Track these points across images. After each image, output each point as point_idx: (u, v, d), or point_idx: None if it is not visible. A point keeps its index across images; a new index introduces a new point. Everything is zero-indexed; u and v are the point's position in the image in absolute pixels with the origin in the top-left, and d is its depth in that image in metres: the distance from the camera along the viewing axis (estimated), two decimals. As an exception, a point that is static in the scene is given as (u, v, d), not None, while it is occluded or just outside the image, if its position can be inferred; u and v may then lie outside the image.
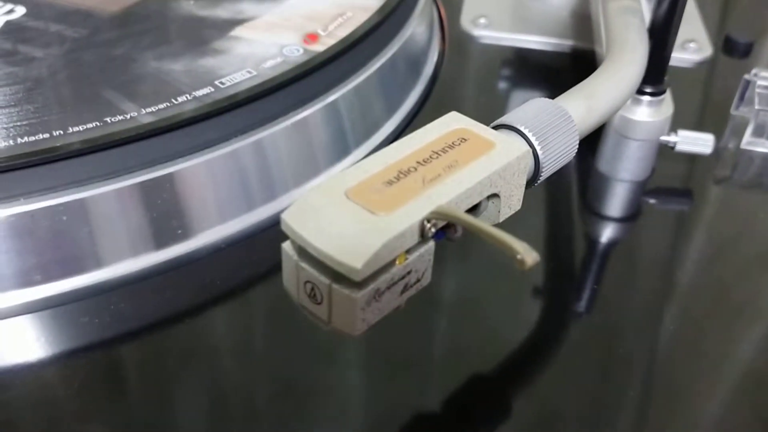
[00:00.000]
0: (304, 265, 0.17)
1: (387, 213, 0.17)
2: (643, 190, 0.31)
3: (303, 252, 0.17)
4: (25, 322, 0.23)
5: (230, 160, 0.26)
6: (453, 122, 0.20)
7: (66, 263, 0.24)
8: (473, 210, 0.19)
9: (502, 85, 0.38)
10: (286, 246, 0.17)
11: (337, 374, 0.23)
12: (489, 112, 0.36)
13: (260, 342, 0.25)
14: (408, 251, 0.17)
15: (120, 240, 0.24)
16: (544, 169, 0.20)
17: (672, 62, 0.29)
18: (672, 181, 0.32)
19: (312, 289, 0.17)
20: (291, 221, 0.17)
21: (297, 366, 0.23)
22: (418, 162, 0.18)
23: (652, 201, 0.31)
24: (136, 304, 0.25)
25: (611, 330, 0.26)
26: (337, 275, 0.17)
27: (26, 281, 0.23)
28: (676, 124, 0.30)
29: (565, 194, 0.32)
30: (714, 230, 0.30)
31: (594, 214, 0.31)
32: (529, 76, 0.39)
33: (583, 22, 0.40)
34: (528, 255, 0.15)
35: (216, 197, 0.26)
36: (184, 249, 0.25)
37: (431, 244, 0.18)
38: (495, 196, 0.19)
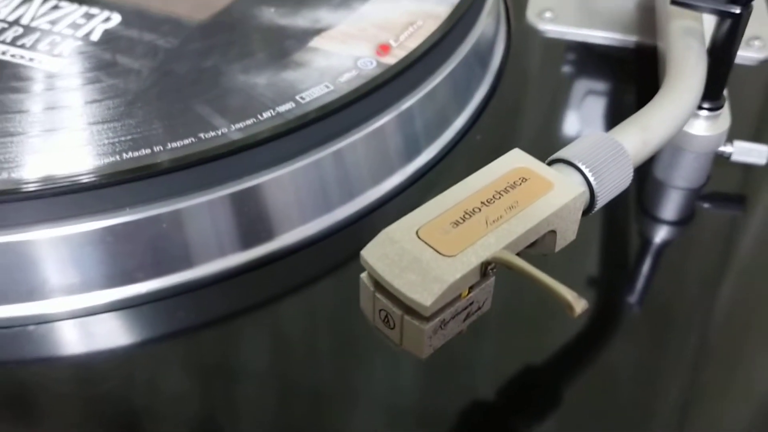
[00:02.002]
0: (379, 296, 0.20)
1: (454, 254, 0.19)
2: (697, 195, 0.33)
3: (379, 285, 0.19)
4: (128, 315, 0.27)
5: (312, 169, 0.28)
6: (514, 161, 0.22)
7: (163, 264, 0.27)
8: (531, 245, 0.21)
9: (567, 79, 0.39)
10: (364, 277, 0.20)
11: (399, 366, 0.26)
12: (555, 106, 0.37)
13: (333, 332, 0.28)
14: (471, 287, 0.19)
15: (210, 243, 0.27)
16: (598, 201, 0.22)
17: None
18: (726, 187, 0.33)
19: (386, 316, 0.20)
20: (369, 258, 0.19)
21: (361, 358, 0.26)
22: (482, 202, 0.20)
23: (706, 206, 0.33)
24: (226, 299, 0.28)
25: (664, 325, 0.28)
26: (409, 308, 0.19)
27: (130, 279, 0.26)
28: (735, 123, 0.31)
29: (624, 198, 0.33)
30: (766, 235, 0.31)
31: (650, 217, 0.33)
32: (593, 71, 0.40)
33: (648, 16, 0.41)
34: (577, 304, 0.17)
35: (298, 202, 0.28)
36: (267, 249, 0.28)
37: (492, 279, 0.20)
38: (552, 232, 0.21)
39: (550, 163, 0.22)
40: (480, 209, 0.20)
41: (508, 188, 0.21)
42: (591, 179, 0.22)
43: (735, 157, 0.31)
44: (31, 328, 0.26)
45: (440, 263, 0.19)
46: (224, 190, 0.27)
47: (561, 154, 0.22)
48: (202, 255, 0.27)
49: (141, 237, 0.26)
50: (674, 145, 0.31)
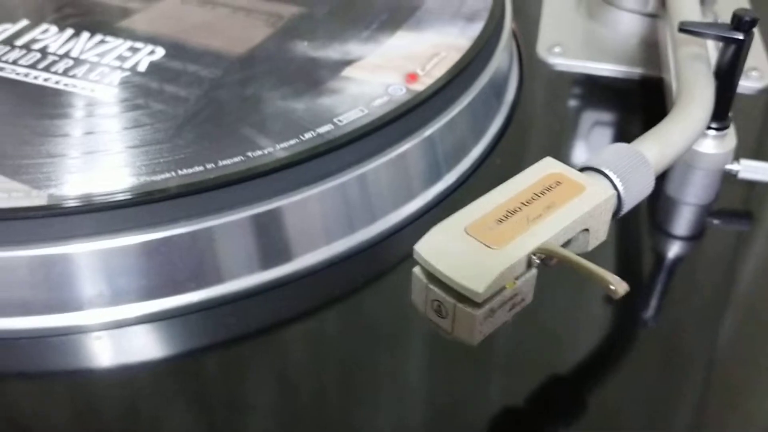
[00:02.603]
0: (432, 287, 0.21)
1: (500, 247, 0.21)
2: (707, 212, 0.35)
3: (431, 276, 0.21)
4: (181, 321, 0.28)
5: (355, 184, 0.30)
6: (548, 167, 0.24)
7: (216, 273, 0.28)
8: (567, 242, 0.23)
9: (577, 109, 0.41)
10: (417, 270, 0.22)
11: (423, 378, 0.28)
12: (566, 134, 0.40)
13: (367, 343, 0.29)
14: (516, 277, 0.21)
15: (253, 255, 0.29)
16: (625, 206, 0.24)
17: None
18: (734, 204, 0.35)
19: (438, 306, 0.21)
20: (423, 252, 0.21)
21: (396, 364, 0.28)
22: (522, 203, 0.22)
23: (715, 222, 0.35)
24: (269, 308, 0.29)
25: (675, 337, 0.29)
26: (461, 296, 0.21)
27: (182, 288, 0.28)
28: (739, 149, 0.34)
29: (637, 215, 0.35)
30: (772, 250, 0.33)
31: (662, 232, 0.35)
32: (602, 101, 0.42)
33: (651, 50, 0.44)
34: (619, 286, 0.19)
35: (342, 214, 0.30)
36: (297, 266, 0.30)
37: (534, 271, 0.22)
38: (585, 230, 0.23)
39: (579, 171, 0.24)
40: (520, 209, 0.22)
41: (544, 191, 0.23)
42: (618, 184, 0.24)
43: (742, 175, 0.33)
44: (100, 334, 0.27)
45: (490, 255, 0.21)
46: (270, 204, 0.28)
47: (589, 162, 0.25)
48: (237, 268, 0.29)
49: (195, 248, 0.28)
50: (685, 163, 0.33)
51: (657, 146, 0.26)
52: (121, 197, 0.27)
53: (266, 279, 0.29)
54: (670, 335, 0.30)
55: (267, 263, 0.29)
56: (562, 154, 0.38)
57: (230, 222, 0.28)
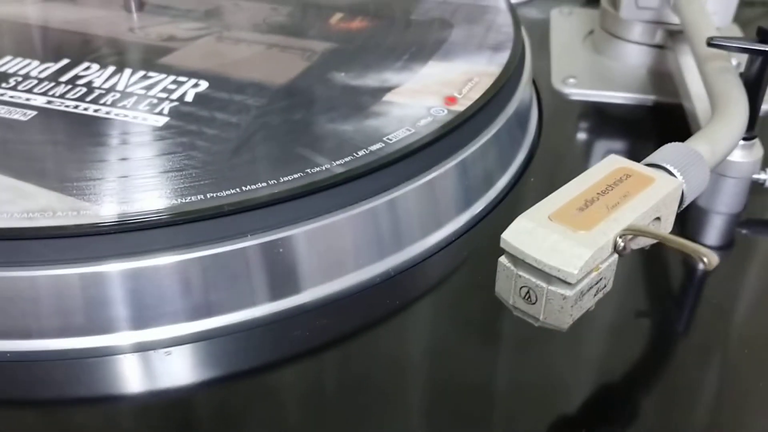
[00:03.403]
0: (521, 273, 0.22)
1: (587, 231, 0.22)
2: (737, 221, 0.36)
3: (519, 263, 0.22)
4: (247, 336, 0.29)
5: (410, 197, 0.31)
6: (615, 163, 0.25)
7: (282, 286, 0.29)
8: (640, 230, 0.24)
9: (596, 135, 0.43)
10: (503, 260, 0.22)
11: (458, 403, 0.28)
12: (588, 159, 0.41)
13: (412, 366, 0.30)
14: (600, 262, 0.22)
15: (305, 271, 0.30)
16: (686, 198, 0.25)
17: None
18: (762, 213, 0.36)
19: (527, 292, 0.22)
20: (511, 240, 0.22)
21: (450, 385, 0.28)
22: (598, 193, 0.23)
23: (744, 231, 0.36)
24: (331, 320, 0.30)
25: (707, 346, 0.30)
26: (551, 280, 0.21)
27: (252, 301, 0.28)
28: (765, 159, 0.35)
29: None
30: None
31: (693, 241, 0.36)
32: (617, 127, 0.44)
33: (659, 79, 0.46)
34: (711, 258, 0.20)
35: (397, 227, 0.31)
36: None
37: (616, 256, 0.23)
38: (657, 219, 0.24)
39: (641, 168, 0.26)
40: (598, 198, 0.23)
41: (616, 182, 0.24)
42: (680, 179, 0.25)
43: (770, 183, 0.35)
44: (169, 350, 0.28)
45: (578, 238, 0.22)
46: (332, 217, 0.29)
47: (650, 159, 0.26)
48: (309, 280, 0.29)
49: (262, 261, 0.28)
50: (715, 173, 0.35)
51: (708, 145, 0.27)
52: (194, 212, 0.27)
53: (318, 296, 0.30)
54: (705, 344, 0.30)
55: (319, 280, 0.30)
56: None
57: (299, 234, 0.29)
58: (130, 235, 0.26)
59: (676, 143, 0.27)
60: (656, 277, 0.34)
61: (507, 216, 0.34)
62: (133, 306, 0.27)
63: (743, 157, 0.34)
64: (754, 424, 0.27)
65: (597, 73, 0.47)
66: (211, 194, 0.28)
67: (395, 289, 0.31)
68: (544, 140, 0.41)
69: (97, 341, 0.27)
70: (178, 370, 0.28)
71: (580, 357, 0.29)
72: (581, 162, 0.41)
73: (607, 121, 0.44)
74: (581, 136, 0.43)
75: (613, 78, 0.47)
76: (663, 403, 0.27)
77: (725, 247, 0.36)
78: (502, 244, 0.22)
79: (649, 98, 0.45)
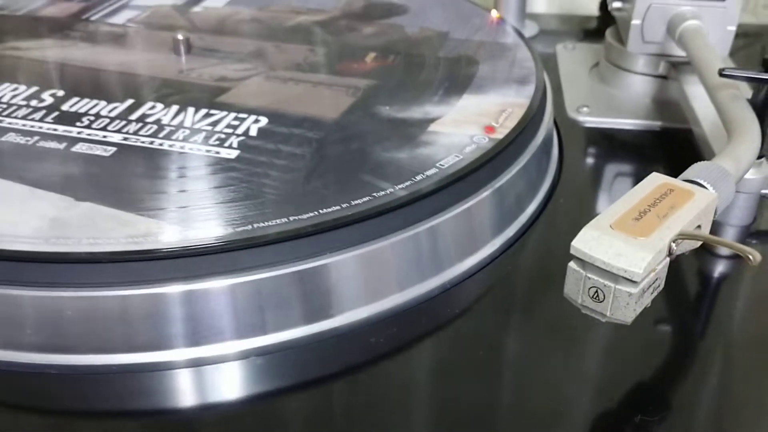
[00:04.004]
0: (590, 275, 0.25)
1: (646, 237, 0.25)
2: (747, 232, 0.40)
3: (588, 266, 0.26)
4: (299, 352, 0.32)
5: (462, 216, 0.35)
6: (658, 179, 0.29)
7: (332, 306, 0.32)
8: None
9: (611, 158, 0.47)
10: (573, 264, 0.26)
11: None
12: (607, 179, 0.45)
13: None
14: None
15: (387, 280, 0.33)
16: (718, 209, 0.29)
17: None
18: (770, 225, 0.41)
19: (596, 292, 0.26)
20: (581, 246, 0.25)
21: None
22: (648, 205, 0.27)
23: (754, 241, 0.40)
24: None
25: (721, 349, 0.34)
26: (618, 280, 0.25)
27: (314, 318, 0.32)
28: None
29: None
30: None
31: (707, 252, 0.39)
32: (629, 150, 0.48)
33: (663, 106, 0.50)
34: (756, 255, 0.24)
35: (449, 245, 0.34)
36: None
37: (668, 259, 0.26)
38: (698, 226, 0.28)
39: (678, 184, 0.29)
40: (649, 210, 0.27)
41: (662, 196, 0.28)
42: (714, 192, 0.29)
43: (776, 197, 0.39)
44: (258, 359, 0.31)
45: (639, 243, 0.25)
46: (396, 236, 0.33)
47: (685, 176, 0.30)
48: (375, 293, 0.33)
49: (334, 277, 0.31)
50: (730, 189, 0.39)
51: (732, 163, 0.31)
52: (277, 232, 0.30)
53: (372, 312, 0.33)
54: (716, 348, 0.34)
55: (374, 297, 0.33)
56: (613, 196, 0.43)
57: (372, 250, 0.32)
58: (230, 254, 0.30)
59: (707, 162, 0.30)
60: (675, 284, 0.37)
61: (539, 238, 0.37)
62: (238, 317, 0.30)
63: (753, 174, 0.38)
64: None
65: (606, 101, 0.51)
66: (294, 217, 0.31)
67: (439, 306, 0.34)
68: (566, 165, 0.45)
69: (201, 352, 0.30)
70: (239, 383, 0.31)
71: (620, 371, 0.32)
72: (602, 183, 0.45)
73: (619, 145, 0.48)
74: (598, 159, 0.47)
75: (621, 106, 0.51)
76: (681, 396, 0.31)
77: (738, 256, 0.40)
78: (572, 251, 0.26)
79: (656, 124, 0.49)
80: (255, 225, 0.31)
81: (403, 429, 0.29)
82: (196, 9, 0.53)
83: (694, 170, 0.30)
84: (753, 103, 0.37)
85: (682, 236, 0.25)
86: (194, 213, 0.32)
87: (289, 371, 0.31)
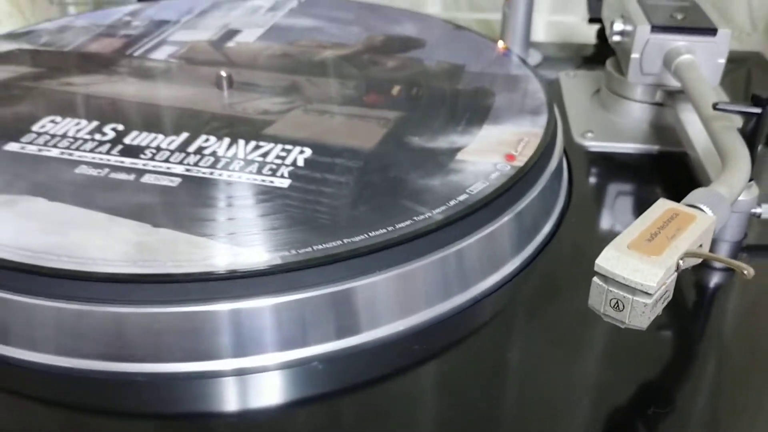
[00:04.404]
0: (612, 288, 0.30)
1: (657, 255, 0.30)
2: (739, 247, 0.45)
3: (609, 281, 0.30)
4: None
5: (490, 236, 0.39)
6: (665, 205, 0.33)
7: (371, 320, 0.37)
8: (690, 254, 0.32)
9: (615, 179, 0.52)
10: (596, 279, 0.31)
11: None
12: (614, 199, 0.50)
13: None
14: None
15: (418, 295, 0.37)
16: (716, 230, 0.34)
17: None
18: (759, 240, 0.45)
19: (616, 303, 0.30)
20: (604, 264, 0.30)
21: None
22: (658, 228, 0.32)
23: (745, 255, 0.45)
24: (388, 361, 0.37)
25: (718, 353, 0.39)
26: (635, 292, 0.30)
27: (352, 331, 0.36)
28: (760, 196, 0.44)
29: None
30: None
31: (704, 265, 0.44)
32: (631, 172, 0.53)
33: (660, 131, 0.55)
34: (750, 270, 0.29)
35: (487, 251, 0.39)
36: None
37: (676, 274, 0.31)
38: (701, 245, 0.32)
39: (681, 208, 0.34)
40: (659, 232, 0.32)
41: (669, 219, 0.32)
42: (711, 214, 0.34)
43: (764, 215, 0.44)
44: (317, 364, 0.35)
45: (652, 261, 0.30)
46: (435, 255, 0.37)
47: (689, 200, 0.34)
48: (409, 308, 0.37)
49: (375, 295, 0.36)
50: (723, 209, 0.43)
51: (727, 189, 0.36)
52: (338, 251, 0.35)
53: (405, 327, 0.37)
54: (712, 351, 0.39)
55: (406, 313, 0.38)
56: (620, 214, 0.48)
57: (411, 269, 0.36)
58: (303, 272, 0.34)
59: (706, 188, 0.35)
60: (676, 291, 0.42)
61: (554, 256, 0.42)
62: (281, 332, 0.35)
63: (744, 196, 0.43)
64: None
65: (608, 127, 0.56)
66: (348, 239, 0.36)
67: (465, 321, 0.39)
68: (575, 186, 0.50)
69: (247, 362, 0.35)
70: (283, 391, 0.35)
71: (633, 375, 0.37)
72: (607, 202, 0.50)
73: (621, 167, 0.53)
74: (603, 181, 0.52)
75: (622, 131, 0.56)
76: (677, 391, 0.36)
77: (730, 268, 0.44)
78: (596, 268, 0.30)
79: (654, 147, 0.54)
80: (315, 247, 0.35)
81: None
82: (230, 44, 0.58)
83: (695, 196, 0.35)
84: (743, 132, 0.42)
85: (688, 254, 0.30)
86: (263, 236, 0.36)
87: (328, 380, 0.36)
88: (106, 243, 0.36)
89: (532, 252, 0.43)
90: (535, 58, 0.68)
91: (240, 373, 0.35)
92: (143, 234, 0.36)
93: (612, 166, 0.53)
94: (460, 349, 0.38)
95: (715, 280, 0.43)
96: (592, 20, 0.71)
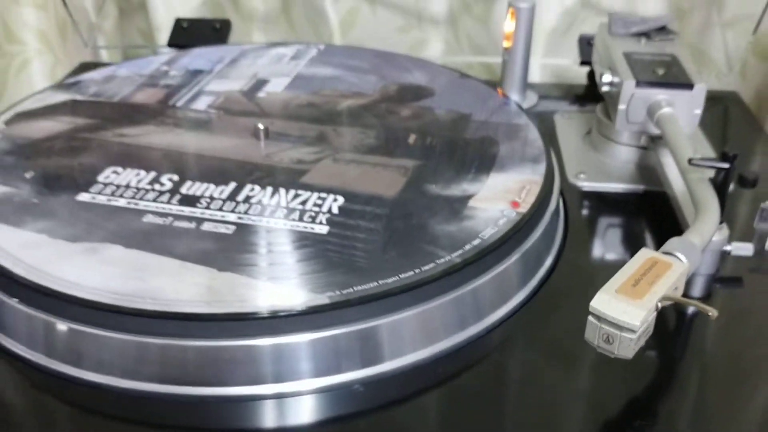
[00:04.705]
0: (603, 326, 0.37)
1: (641, 299, 0.37)
2: (713, 279, 0.52)
3: (602, 320, 0.37)
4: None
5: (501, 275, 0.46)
6: (646, 254, 0.40)
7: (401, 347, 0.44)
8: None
9: (606, 216, 0.59)
10: (591, 318, 0.38)
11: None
12: (605, 235, 0.57)
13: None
14: (648, 316, 0.38)
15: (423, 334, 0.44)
16: (689, 273, 0.41)
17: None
18: (729, 272, 0.53)
19: (607, 337, 0.37)
20: (597, 306, 0.37)
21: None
22: (641, 275, 0.39)
23: (718, 285, 0.52)
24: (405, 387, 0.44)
25: (697, 369, 0.46)
26: (623, 329, 0.37)
27: (380, 360, 0.43)
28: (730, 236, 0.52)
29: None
30: (757, 301, 0.51)
31: (684, 295, 0.51)
32: (620, 210, 0.60)
33: (645, 171, 0.62)
34: (713, 311, 0.36)
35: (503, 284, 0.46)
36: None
37: (655, 312, 0.38)
38: (676, 288, 0.39)
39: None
40: (642, 278, 0.39)
41: (650, 267, 0.39)
42: (685, 262, 0.41)
43: (734, 253, 0.51)
44: (357, 387, 0.42)
45: (636, 304, 0.37)
46: (455, 292, 0.44)
47: (666, 248, 0.41)
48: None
49: (405, 328, 0.43)
50: (698, 248, 0.51)
51: (698, 238, 0.43)
52: (383, 290, 0.42)
53: (429, 354, 0.44)
54: (691, 368, 0.46)
55: (429, 342, 0.45)
56: (610, 246, 0.55)
57: (433, 306, 0.43)
58: (354, 308, 0.41)
59: (680, 237, 0.42)
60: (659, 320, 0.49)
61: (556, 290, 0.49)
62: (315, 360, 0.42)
63: (716, 236, 0.50)
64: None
65: (599, 168, 0.63)
66: (382, 281, 0.43)
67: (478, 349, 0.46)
68: (571, 223, 0.57)
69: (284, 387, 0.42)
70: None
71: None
72: (599, 237, 0.57)
73: (610, 205, 0.60)
74: (595, 218, 0.59)
75: (611, 172, 0.63)
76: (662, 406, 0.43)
77: (706, 297, 0.52)
78: (591, 309, 0.37)
79: (639, 187, 0.61)
80: (355, 288, 0.42)
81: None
82: (261, 94, 0.65)
83: (671, 245, 0.42)
84: (714, 182, 0.49)
85: (665, 298, 0.37)
86: (311, 278, 0.43)
87: (358, 403, 0.42)
88: (181, 286, 0.42)
89: (536, 284, 0.50)
90: (531, 99, 0.75)
91: (319, 391, 0.42)
92: (210, 278, 0.43)
93: (602, 204, 0.60)
94: (474, 372, 0.45)
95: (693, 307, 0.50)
96: (583, 63, 0.79)
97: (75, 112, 0.62)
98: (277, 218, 0.49)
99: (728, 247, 0.51)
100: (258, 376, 0.41)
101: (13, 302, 0.43)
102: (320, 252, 0.45)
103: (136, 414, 0.42)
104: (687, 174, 0.50)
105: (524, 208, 0.50)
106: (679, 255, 0.41)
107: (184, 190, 0.51)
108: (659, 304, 0.38)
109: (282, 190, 0.51)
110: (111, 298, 0.41)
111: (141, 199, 0.50)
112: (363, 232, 0.47)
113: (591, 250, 0.56)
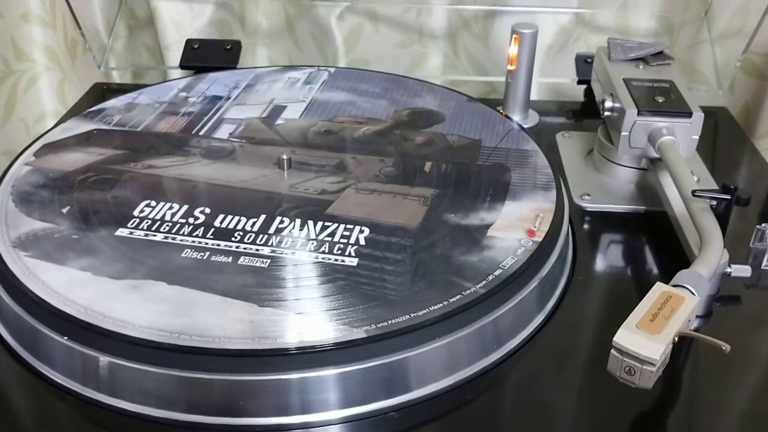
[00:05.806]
0: (626, 359, 0.41)
1: (659, 334, 0.41)
2: (714, 298, 0.56)
3: (624, 353, 0.41)
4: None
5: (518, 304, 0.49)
6: (661, 288, 0.44)
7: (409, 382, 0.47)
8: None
9: (611, 235, 0.62)
10: (614, 351, 0.41)
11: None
12: (613, 255, 0.60)
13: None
14: (665, 349, 0.41)
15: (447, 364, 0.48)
16: (699, 306, 0.45)
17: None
18: (729, 292, 0.56)
19: (629, 369, 0.41)
20: (620, 341, 0.41)
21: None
22: (658, 309, 0.42)
23: (718, 304, 0.56)
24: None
25: (701, 387, 0.50)
26: (643, 362, 0.40)
27: (408, 389, 0.46)
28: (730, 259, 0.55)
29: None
30: (757, 319, 0.55)
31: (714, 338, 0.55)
32: (624, 229, 0.63)
33: (645, 192, 0.66)
34: (726, 346, 0.39)
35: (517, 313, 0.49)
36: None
37: (672, 345, 0.41)
38: (689, 320, 0.43)
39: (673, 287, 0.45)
40: (658, 313, 0.42)
41: (665, 302, 0.43)
42: (696, 296, 0.44)
43: (734, 275, 0.55)
44: (394, 414, 0.45)
45: (655, 338, 0.40)
46: (479, 323, 0.47)
47: (675, 281, 0.45)
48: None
49: (433, 357, 0.46)
50: (701, 271, 0.54)
51: (705, 269, 0.47)
52: (413, 323, 0.45)
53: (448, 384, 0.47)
54: (695, 388, 0.49)
55: (451, 371, 0.48)
56: (613, 266, 0.59)
57: (460, 336, 0.47)
58: (375, 344, 0.44)
59: (687, 270, 0.46)
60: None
61: (573, 305, 0.52)
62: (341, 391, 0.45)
63: (717, 260, 0.54)
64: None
65: (602, 189, 0.67)
66: (414, 314, 0.46)
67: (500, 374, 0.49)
68: (579, 244, 0.60)
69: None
70: None
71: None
72: (606, 256, 0.60)
73: (614, 225, 0.64)
74: (600, 237, 0.62)
75: (613, 193, 0.66)
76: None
77: (707, 315, 0.55)
78: (614, 344, 0.41)
79: (641, 208, 0.65)
80: (390, 321, 0.45)
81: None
82: (279, 121, 0.67)
83: (681, 277, 0.45)
84: (716, 210, 0.53)
85: (680, 334, 0.41)
86: (347, 312, 0.46)
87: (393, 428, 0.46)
88: (225, 323, 0.45)
89: (551, 306, 0.53)
90: (533, 119, 0.78)
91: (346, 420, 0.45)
92: (252, 313, 0.46)
93: (606, 224, 0.64)
94: (495, 396, 0.48)
95: (695, 323, 0.54)
96: (580, 82, 0.82)
97: (101, 142, 0.64)
98: (309, 251, 0.51)
99: (729, 269, 0.55)
100: (290, 406, 0.44)
101: (64, 341, 0.46)
102: (353, 285, 0.48)
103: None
104: (690, 204, 0.54)
105: (539, 237, 0.53)
106: (689, 287, 0.44)
107: (217, 223, 0.54)
108: (675, 338, 0.41)
109: (310, 222, 0.54)
110: (160, 336, 0.44)
111: (177, 233, 0.53)
112: (391, 263, 0.50)
113: (599, 268, 0.59)
